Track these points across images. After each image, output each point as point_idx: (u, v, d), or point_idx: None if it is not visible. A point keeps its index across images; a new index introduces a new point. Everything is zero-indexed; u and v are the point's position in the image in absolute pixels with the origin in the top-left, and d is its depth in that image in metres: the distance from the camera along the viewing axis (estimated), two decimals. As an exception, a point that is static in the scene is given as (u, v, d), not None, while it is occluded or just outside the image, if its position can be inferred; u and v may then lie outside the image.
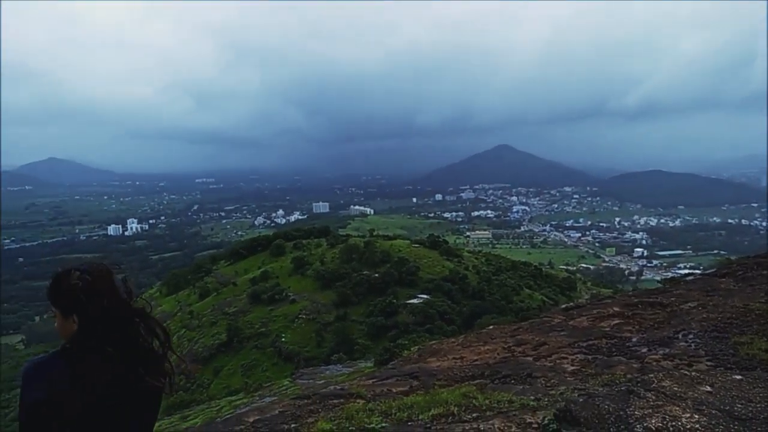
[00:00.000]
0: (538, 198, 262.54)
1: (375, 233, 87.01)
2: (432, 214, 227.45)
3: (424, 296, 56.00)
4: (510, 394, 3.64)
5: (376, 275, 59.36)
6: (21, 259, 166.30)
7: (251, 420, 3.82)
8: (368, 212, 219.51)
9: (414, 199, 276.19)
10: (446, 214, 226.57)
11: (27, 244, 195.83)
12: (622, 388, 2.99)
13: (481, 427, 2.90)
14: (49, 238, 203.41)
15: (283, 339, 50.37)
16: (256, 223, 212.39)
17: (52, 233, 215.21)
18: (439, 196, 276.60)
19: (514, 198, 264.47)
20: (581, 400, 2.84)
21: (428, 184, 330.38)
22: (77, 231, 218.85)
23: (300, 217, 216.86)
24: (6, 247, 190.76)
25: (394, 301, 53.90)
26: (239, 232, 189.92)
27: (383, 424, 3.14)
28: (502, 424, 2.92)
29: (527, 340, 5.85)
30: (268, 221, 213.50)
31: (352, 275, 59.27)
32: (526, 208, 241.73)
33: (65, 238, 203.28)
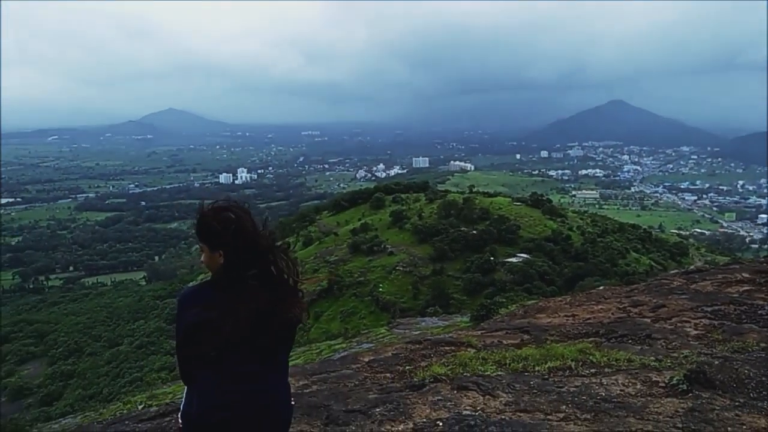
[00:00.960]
0: (651, 158, 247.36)
1: (475, 189, 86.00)
2: (536, 172, 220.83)
3: (524, 255, 55.03)
4: (629, 353, 3.50)
5: (474, 232, 58.91)
6: (143, 203, 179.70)
7: (366, 360, 3.93)
8: (469, 168, 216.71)
9: (518, 156, 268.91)
10: (551, 172, 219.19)
11: (148, 189, 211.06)
12: (762, 355, 2.77)
13: (603, 381, 2.80)
14: (167, 184, 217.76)
15: (380, 289, 51.52)
16: (357, 176, 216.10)
17: (170, 179, 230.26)
18: (544, 153, 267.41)
19: (626, 157, 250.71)
20: (716, 362, 2.67)
21: (534, 141, 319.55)
22: (192, 178, 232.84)
23: (400, 172, 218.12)
24: (130, 191, 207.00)
25: (492, 258, 53.41)
26: (341, 185, 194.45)
27: (499, 372, 3.11)
28: (626, 381, 2.80)
29: (644, 301, 5.58)
30: (369, 174, 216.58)
31: (449, 231, 59.16)
32: (638, 167, 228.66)
33: (181, 185, 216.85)
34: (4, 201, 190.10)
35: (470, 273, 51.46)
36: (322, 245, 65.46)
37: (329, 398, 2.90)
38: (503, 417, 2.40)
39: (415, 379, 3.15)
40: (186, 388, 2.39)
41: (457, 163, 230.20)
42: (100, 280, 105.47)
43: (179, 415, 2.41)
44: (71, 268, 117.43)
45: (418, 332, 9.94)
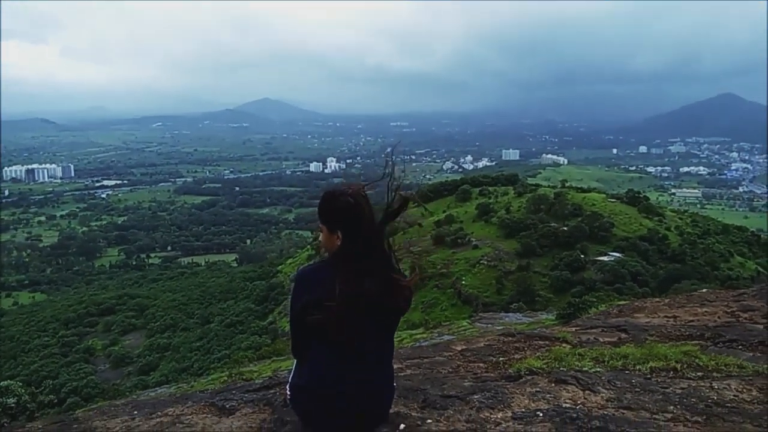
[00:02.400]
0: (764, 156, 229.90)
1: (567, 184, 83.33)
2: (633, 167, 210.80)
3: (616, 254, 52.86)
4: (739, 360, 3.30)
5: (565, 228, 57.18)
6: (237, 188, 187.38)
7: (459, 349, 3.93)
8: (561, 162, 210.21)
9: (614, 150, 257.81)
10: (650, 168, 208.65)
11: (242, 175, 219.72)
12: None
13: (714, 385, 2.66)
14: (261, 171, 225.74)
15: (463, 282, 51.13)
16: (444, 167, 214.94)
17: (263, 166, 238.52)
18: (643, 148, 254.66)
19: (734, 154, 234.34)
20: None
21: (632, 135, 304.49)
22: (284, 166, 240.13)
23: (488, 164, 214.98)
24: (225, 177, 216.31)
25: (582, 256, 51.66)
26: (427, 176, 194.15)
27: (597, 369, 3.03)
28: (740, 386, 2.64)
29: (755, 306, 5.22)
30: (456, 166, 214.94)
31: (538, 226, 57.71)
32: (748, 166, 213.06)
33: (274, 172, 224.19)
34: (112, 183, 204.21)
35: (558, 270, 50.04)
36: (406, 235, 65.24)
37: (424, 382, 2.93)
38: (606, 412, 2.34)
39: (510, 371, 3.12)
40: (295, 362, 2.54)
41: (550, 156, 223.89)
42: (195, 260, 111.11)
43: (288, 387, 2.55)
44: (169, 248, 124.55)
45: (501, 327, 9.80)
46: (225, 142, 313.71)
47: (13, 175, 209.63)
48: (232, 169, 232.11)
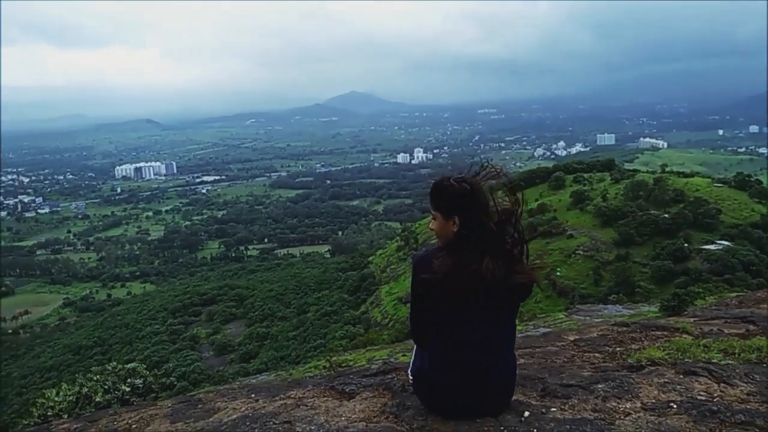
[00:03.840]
0: None
1: (668, 169, 78.85)
2: (743, 149, 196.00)
3: (724, 243, 49.46)
4: None
5: (666, 215, 54.16)
6: (328, 182, 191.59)
7: (571, 338, 3.83)
8: (661, 145, 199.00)
9: (720, 131, 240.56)
10: (762, 150, 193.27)
11: (333, 169, 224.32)
12: None
13: None
14: (350, 164, 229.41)
15: (558, 273, 49.68)
16: (535, 154, 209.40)
17: (352, 159, 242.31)
18: (754, 128, 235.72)
19: None
20: None
21: (741, 113, 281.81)
22: (372, 158, 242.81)
23: (582, 150, 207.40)
24: (317, 171, 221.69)
25: (686, 245, 48.75)
26: (518, 163, 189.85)
27: (728, 361, 2.84)
28: None
29: None
30: (548, 153, 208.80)
31: (636, 214, 55.00)
32: None
33: (362, 165, 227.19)
34: (211, 179, 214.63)
35: (660, 260, 47.49)
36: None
37: (541, 371, 2.86)
38: (748, 407, 2.19)
39: (629, 361, 2.99)
40: (415, 347, 2.57)
41: (648, 140, 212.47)
42: (290, 252, 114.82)
43: (409, 372, 2.59)
44: (266, 240, 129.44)
45: (600, 320, 9.45)
46: (315, 136, 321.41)
47: (124, 174, 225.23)
48: (323, 163, 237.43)
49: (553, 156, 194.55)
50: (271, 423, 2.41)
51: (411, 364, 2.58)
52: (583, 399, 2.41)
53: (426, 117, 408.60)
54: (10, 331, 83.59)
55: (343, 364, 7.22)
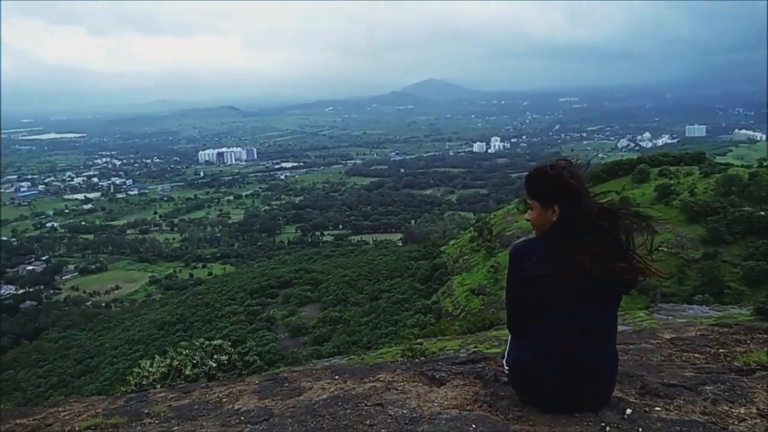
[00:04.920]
0: None
1: (765, 163, 73.80)
2: None
3: (827, 243, 45.91)
4: None
5: (762, 213, 50.78)
6: (402, 170, 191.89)
7: (667, 337, 3.65)
8: (758, 138, 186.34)
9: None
10: None
11: (407, 157, 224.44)
12: None
13: None
14: (425, 153, 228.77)
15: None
16: (618, 145, 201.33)
17: (427, 148, 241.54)
18: None
19: None
20: None
21: None
22: (447, 147, 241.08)
23: (669, 141, 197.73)
24: (391, 159, 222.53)
25: (784, 244, 45.58)
26: (600, 154, 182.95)
27: None
28: None
29: None
30: (632, 144, 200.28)
31: (728, 210, 51.79)
32: None
33: (437, 153, 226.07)
34: (290, 165, 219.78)
35: (753, 260, 44.63)
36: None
37: (638, 369, 2.74)
38: None
39: (736, 363, 2.80)
40: (510, 337, 2.52)
41: (743, 131, 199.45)
42: (363, 239, 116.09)
43: (504, 362, 2.54)
44: (341, 226, 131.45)
45: (685, 320, 9.01)
46: (391, 124, 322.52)
47: (207, 158, 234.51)
48: (397, 151, 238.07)
49: (637, 147, 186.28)
50: (363, 404, 2.43)
51: (506, 354, 2.53)
52: (689, 400, 2.29)
53: (504, 105, 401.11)
54: (103, 304, 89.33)
55: (426, 352, 7.21)
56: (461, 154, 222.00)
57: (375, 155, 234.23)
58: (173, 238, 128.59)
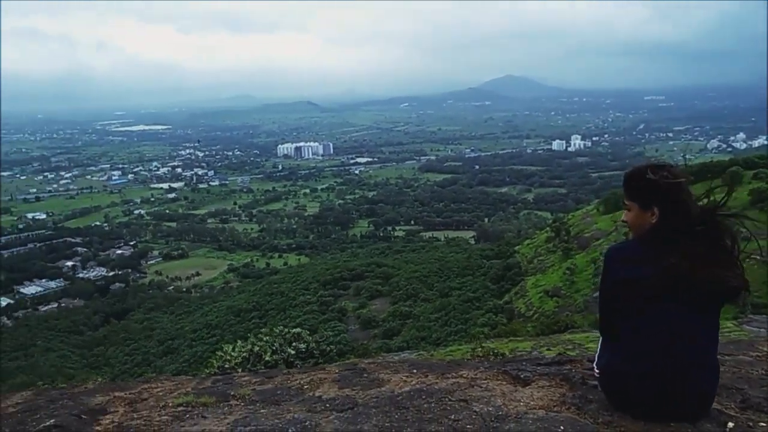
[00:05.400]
0: None
1: None
2: None
3: None
4: None
5: None
6: (477, 167, 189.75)
7: (766, 349, 3.43)
8: None
9: None
10: None
11: (482, 154, 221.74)
12: None
13: None
14: (501, 150, 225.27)
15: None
16: (708, 146, 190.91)
17: (503, 145, 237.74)
18: None
19: None
20: None
21: None
22: (525, 144, 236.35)
23: (766, 142, 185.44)
24: (466, 156, 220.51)
25: None
26: (687, 156, 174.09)
27: None
28: None
29: None
30: (724, 145, 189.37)
31: (832, 217, 48.17)
32: None
33: (514, 151, 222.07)
34: (364, 160, 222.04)
35: None
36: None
37: (737, 381, 2.60)
38: None
39: None
40: (602, 340, 2.45)
41: None
42: (435, 235, 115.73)
43: (595, 365, 2.47)
44: (412, 222, 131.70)
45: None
46: (467, 120, 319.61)
47: (285, 152, 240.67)
48: (472, 148, 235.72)
49: (729, 149, 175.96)
50: (447, 399, 2.43)
51: (597, 358, 2.46)
52: (800, 417, 2.14)
53: (586, 103, 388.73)
54: (184, 289, 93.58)
55: (496, 352, 7.12)
56: (539, 151, 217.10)
57: (449, 152, 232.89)
58: (251, 228, 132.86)
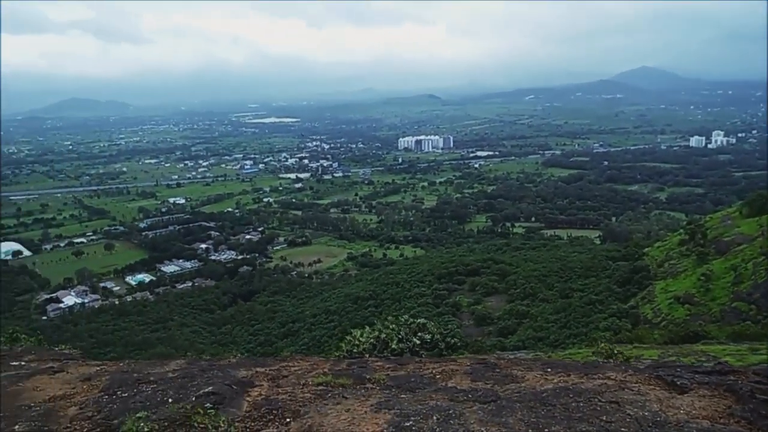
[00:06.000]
0: None
1: None
2: None
3: None
4: None
5: None
6: (605, 163, 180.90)
7: None
8: None
9: None
10: None
11: (612, 149, 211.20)
12: None
13: None
14: (632, 145, 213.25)
15: None
16: None
17: (634, 140, 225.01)
18: None
19: None
20: None
21: None
22: (659, 140, 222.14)
23: None
24: (594, 151, 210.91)
25: None
26: None
27: None
28: None
29: None
30: None
31: None
32: None
33: (646, 146, 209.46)
34: (484, 154, 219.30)
35: None
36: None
37: None
38: None
39: None
40: None
41: None
42: (557, 233, 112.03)
43: None
44: (533, 219, 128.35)
45: None
46: (596, 114, 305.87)
47: (405, 145, 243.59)
48: (601, 143, 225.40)
49: None
50: (597, 400, 2.33)
51: None
52: None
53: (731, 95, 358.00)
54: (306, 274, 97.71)
55: (619, 358, 6.79)
56: (675, 148, 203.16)
57: (576, 146, 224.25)
58: (370, 219, 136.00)
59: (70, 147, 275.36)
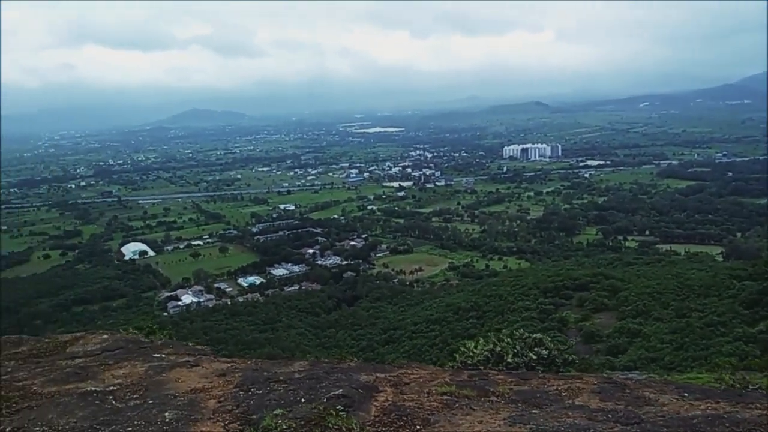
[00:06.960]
0: None
1: None
2: None
3: None
4: None
5: None
6: (729, 174, 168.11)
7: None
8: None
9: None
10: None
11: (737, 159, 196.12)
12: None
13: None
14: (760, 155, 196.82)
15: None
16: None
17: (763, 150, 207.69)
18: None
19: None
20: None
21: None
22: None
23: None
24: (716, 161, 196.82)
25: None
26: None
27: None
28: None
29: None
30: None
31: None
32: None
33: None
34: (595, 163, 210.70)
35: None
36: None
37: None
38: None
39: None
40: None
41: None
42: (673, 248, 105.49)
43: None
44: (647, 232, 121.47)
45: None
46: (719, 121, 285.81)
47: (511, 154, 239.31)
48: (725, 152, 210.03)
49: None
50: (757, 433, 2.16)
51: None
52: None
53: None
54: (407, 282, 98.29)
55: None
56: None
57: (696, 156, 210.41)
58: (473, 229, 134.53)
59: (190, 155, 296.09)
